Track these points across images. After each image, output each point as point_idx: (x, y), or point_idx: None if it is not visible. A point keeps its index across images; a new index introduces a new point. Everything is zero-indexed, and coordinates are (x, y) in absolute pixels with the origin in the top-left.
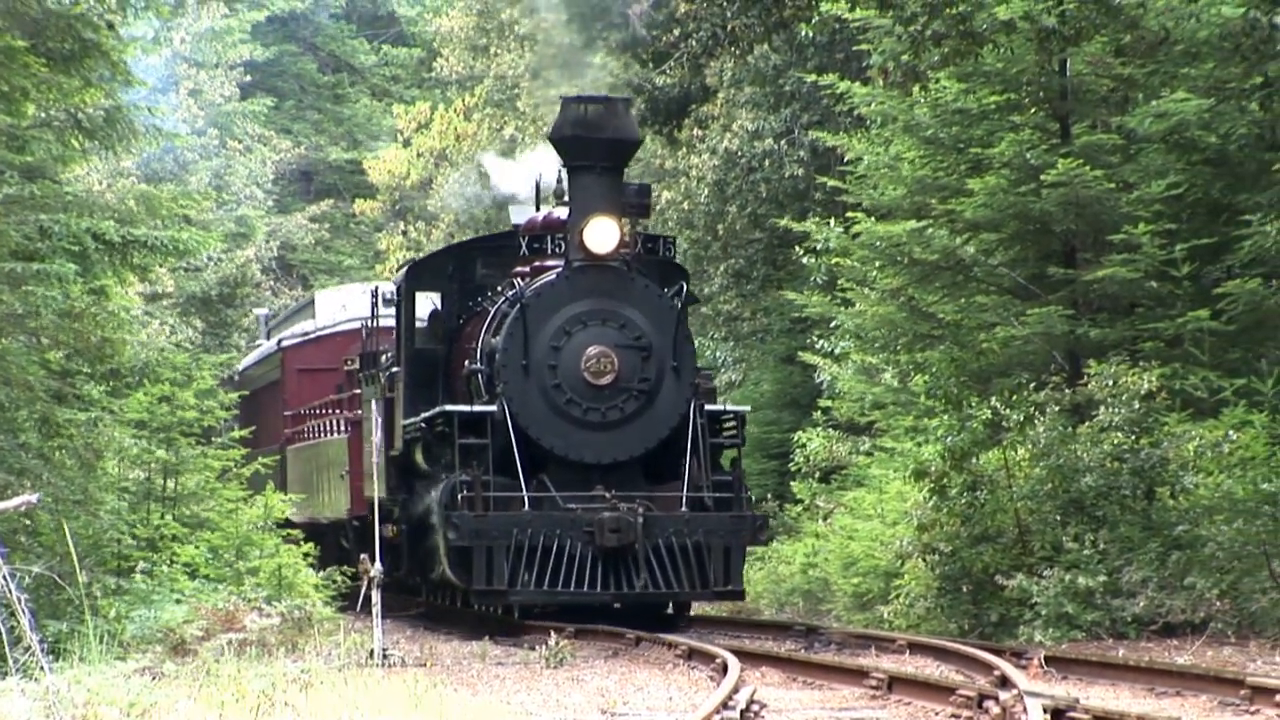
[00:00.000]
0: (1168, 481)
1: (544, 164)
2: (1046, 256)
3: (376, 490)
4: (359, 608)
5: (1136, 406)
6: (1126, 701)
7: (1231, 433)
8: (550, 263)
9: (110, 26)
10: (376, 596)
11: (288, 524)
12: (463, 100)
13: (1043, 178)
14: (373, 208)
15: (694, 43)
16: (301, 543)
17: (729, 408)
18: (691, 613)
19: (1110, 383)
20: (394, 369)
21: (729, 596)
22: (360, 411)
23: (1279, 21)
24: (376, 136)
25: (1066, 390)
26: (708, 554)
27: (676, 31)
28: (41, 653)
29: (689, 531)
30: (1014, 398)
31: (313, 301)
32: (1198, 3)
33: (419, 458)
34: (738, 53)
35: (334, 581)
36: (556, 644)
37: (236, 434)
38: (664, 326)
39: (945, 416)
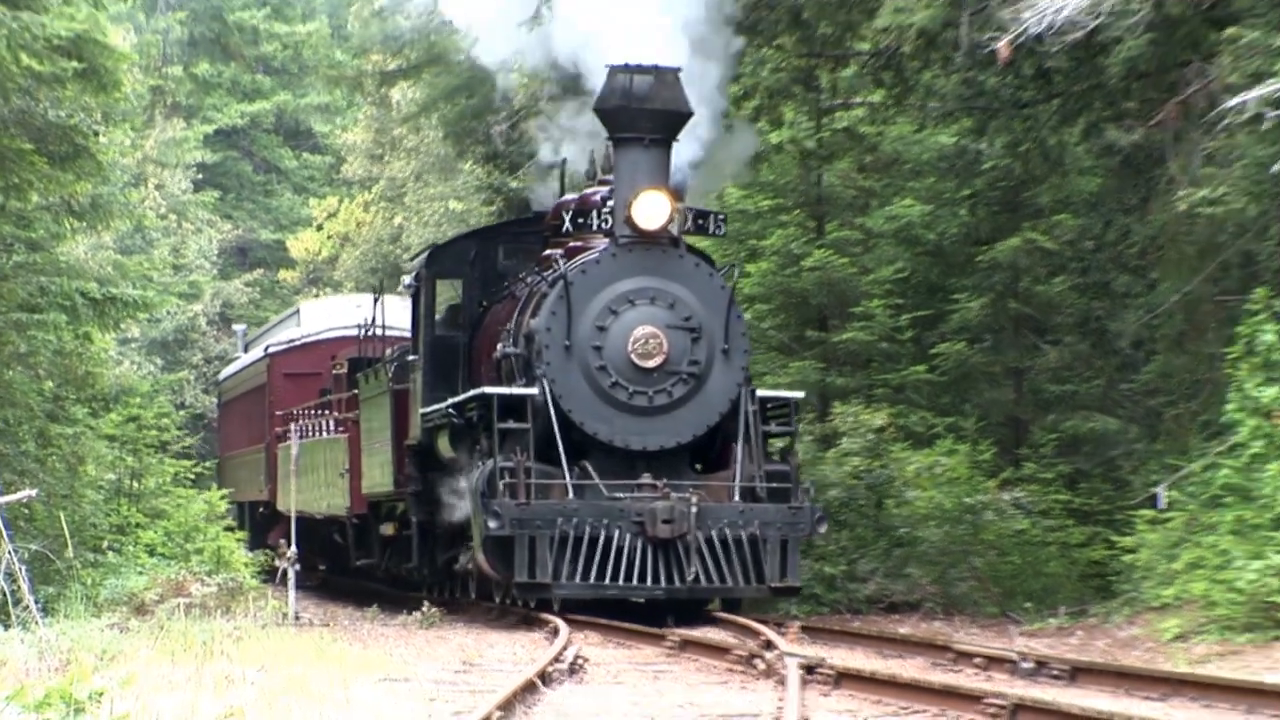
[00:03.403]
0: (893, 495)
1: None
2: (805, 322)
3: (285, 487)
4: (277, 580)
5: (871, 437)
6: (861, 660)
7: (942, 458)
8: (574, 243)
9: (96, 135)
10: (291, 572)
11: (274, 515)
12: (363, 196)
13: (803, 263)
14: (293, 276)
15: (540, 156)
16: (235, 530)
17: (781, 394)
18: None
19: (851, 419)
20: (409, 358)
21: (786, 593)
22: (359, 412)
23: (983, 149)
24: (296, 222)
25: (818, 424)
26: (764, 546)
27: (527, 148)
28: (36, 610)
29: (744, 523)
30: None
31: (298, 311)
32: (922, 132)
33: (443, 445)
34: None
35: (259, 561)
36: (428, 610)
37: (187, 448)
38: (715, 307)
39: None
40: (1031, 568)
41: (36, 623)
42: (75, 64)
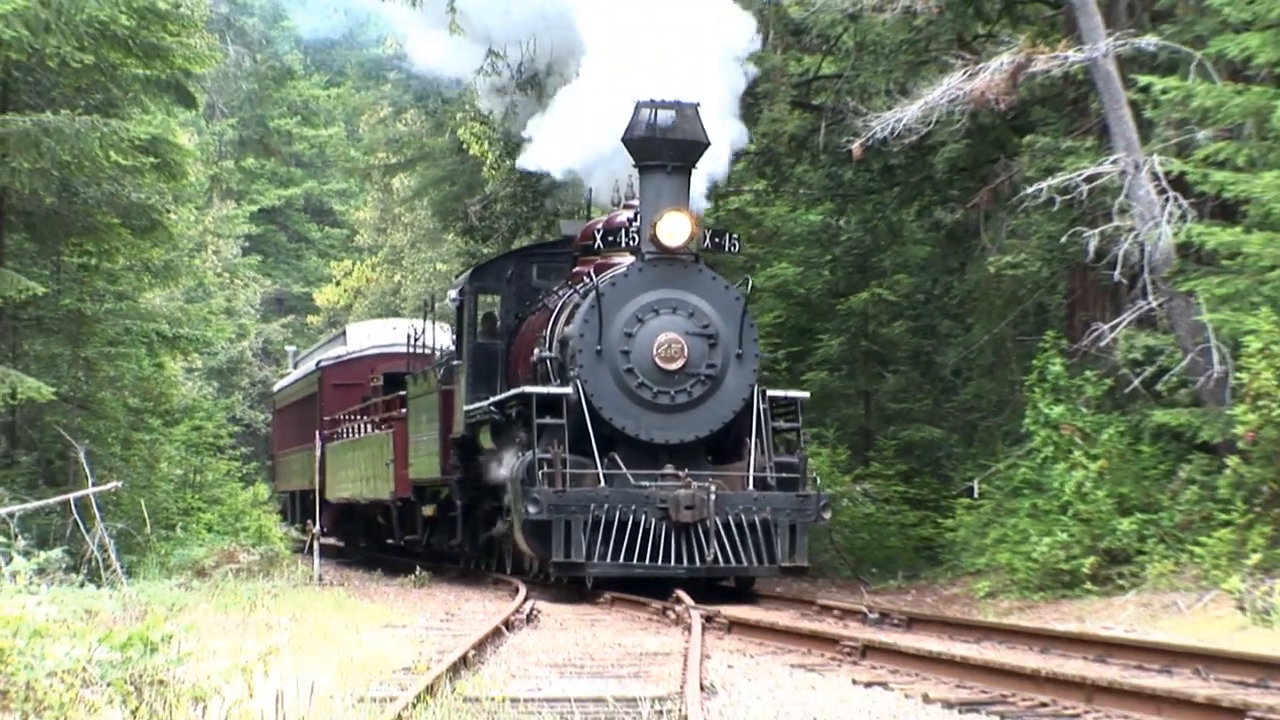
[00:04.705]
0: None
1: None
2: None
3: (314, 475)
4: (306, 550)
5: None
6: (747, 612)
7: (810, 459)
8: (601, 260)
9: (168, 212)
10: (316, 545)
11: (325, 503)
12: (371, 259)
13: None
14: (317, 320)
15: (505, 228)
16: (275, 513)
17: (789, 393)
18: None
19: None
20: (454, 362)
21: (795, 571)
22: (406, 410)
23: (841, 225)
24: (320, 279)
25: None
26: (775, 530)
27: (498, 223)
28: (121, 573)
29: (757, 509)
30: None
31: (345, 332)
32: (795, 212)
33: (484, 439)
34: (531, 236)
35: (291, 536)
36: (419, 573)
37: (237, 452)
38: (730, 315)
39: None
40: (877, 542)
41: (121, 583)
42: (152, 159)
